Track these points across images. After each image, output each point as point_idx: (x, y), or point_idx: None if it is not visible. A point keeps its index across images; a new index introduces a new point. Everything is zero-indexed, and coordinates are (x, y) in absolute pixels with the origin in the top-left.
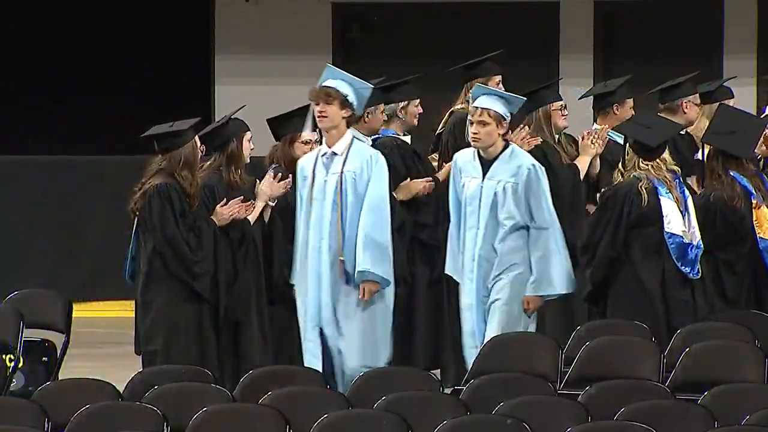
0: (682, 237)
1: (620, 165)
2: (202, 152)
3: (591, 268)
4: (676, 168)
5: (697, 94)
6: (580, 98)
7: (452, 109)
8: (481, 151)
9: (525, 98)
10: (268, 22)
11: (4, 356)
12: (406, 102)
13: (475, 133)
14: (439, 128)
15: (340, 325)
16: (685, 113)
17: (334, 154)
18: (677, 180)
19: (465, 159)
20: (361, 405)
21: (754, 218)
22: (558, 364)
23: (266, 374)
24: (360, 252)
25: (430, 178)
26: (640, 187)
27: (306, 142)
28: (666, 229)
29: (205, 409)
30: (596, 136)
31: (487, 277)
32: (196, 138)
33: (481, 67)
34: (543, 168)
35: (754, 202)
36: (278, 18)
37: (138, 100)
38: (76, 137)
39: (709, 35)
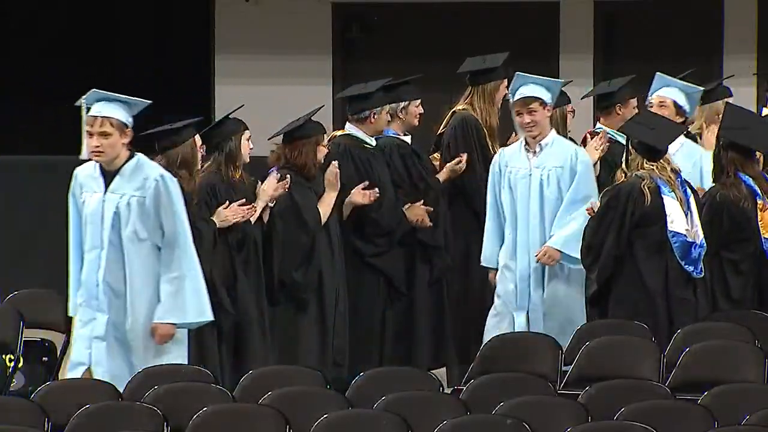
0: (685, 236)
1: (623, 165)
2: (202, 152)
3: (595, 268)
4: (677, 167)
5: None
6: (583, 98)
7: (454, 108)
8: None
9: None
10: (268, 22)
11: (4, 356)
12: (406, 102)
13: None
14: (441, 128)
15: None
16: None
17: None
18: (679, 179)
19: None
20: (361, 405)
21: (759, 219)
22: (558, 364)
23: (266, 374)
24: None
25: (376, 189)
26: (643, 186)
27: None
28: (669, 228)
29: (205, 409)
30: (601, 139)
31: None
32: (197, 137)
33: (496, 72)
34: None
35: (760, 203)
36: (278, 18)
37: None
38: (76, 137)
39: (709, 35)
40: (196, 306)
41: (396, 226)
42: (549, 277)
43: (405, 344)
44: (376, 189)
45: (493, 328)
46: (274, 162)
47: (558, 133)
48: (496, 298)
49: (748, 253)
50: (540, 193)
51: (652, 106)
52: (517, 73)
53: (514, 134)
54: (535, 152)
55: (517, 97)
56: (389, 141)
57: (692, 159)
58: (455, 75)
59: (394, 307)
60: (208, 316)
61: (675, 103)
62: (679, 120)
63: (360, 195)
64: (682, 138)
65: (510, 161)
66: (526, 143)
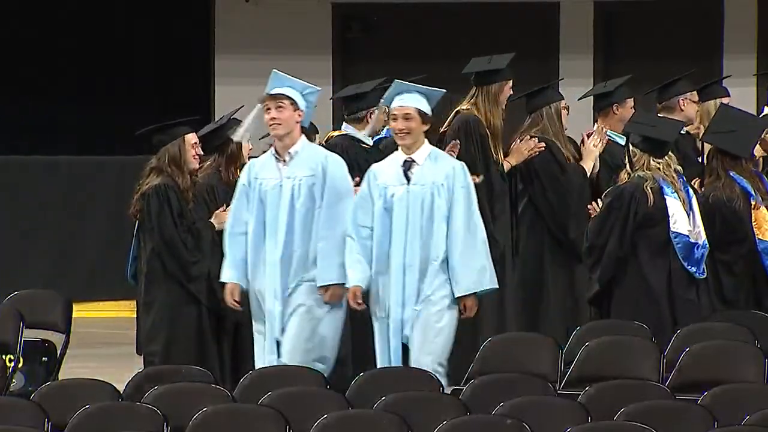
0: (688, 236)
1: (627, 166)
2: (198, 151)
3: (598, 269)
4: (679, 167)
5: (695, 91)
6: (581, 98)
7: (457, 108)
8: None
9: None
10: (268, 22)
11: (4, 356)
12: None
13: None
14: (443, 127)
15: None
16: (682, 110)
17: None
18: (681, 180)
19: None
20: (361, 405)
21: (753, 219)
22: (558, 364)
23: (266, 374)
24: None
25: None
26: (646, 186)
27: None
28: (672, 229)
29: (205, 409)
30: (598, 137)
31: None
32: (192, 136)
33: (501, 73)
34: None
35: (753, 202)
36: (278, 18)
37: (138, 100)
38: (76, 137)
39: (709, 35)
40: None
41: None
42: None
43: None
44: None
45: None
46: None
47: (554, 129)
48: None
49: (741, 254)
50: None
51: (396, 118)
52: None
53: (518, 139)
54: (285, 161)
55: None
56: (392, 141)
57: None
58: (455, 75)
59: None
60: None
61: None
62: (425, 128)
63: None
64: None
65: (260, 172)
66: (276, 152)
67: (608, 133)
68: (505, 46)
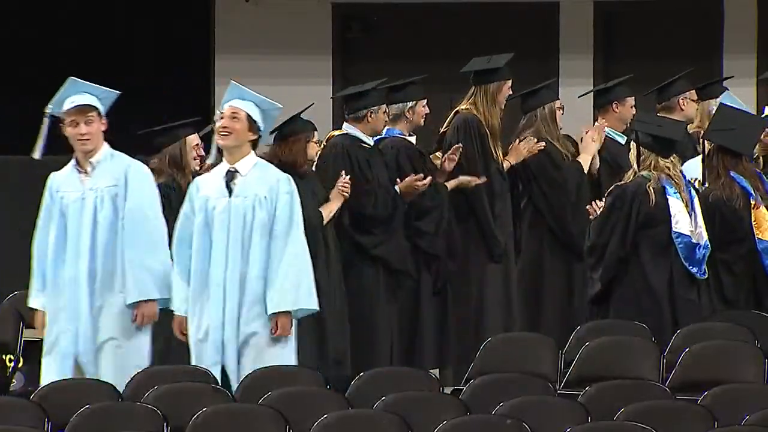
0: (690, 237)
1: (635, 165)
2: (199, 152)
3: (599, 269)
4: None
5: (694, 91)
6: (580, 96)
7: (457, 108)
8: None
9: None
10: (268, 22)
11: (4, 356)
12: (413, 102)
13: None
14: (443, 127)
15: None
16: (683, 110)
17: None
18: (685, 180)
19: None
20: (361, 405)
21: (753, 219)
22: (558, 364)
23: (266, 374)
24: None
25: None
26: (648, 187)
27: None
28: (674, 229)
29: (205, 409)
30: (596, 131)
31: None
32: (194, 137)
33: (499, 73)
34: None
35: (752, 202)
36: (278, 18)
37: (138, 100)
38: None
39: (709, 35)
40: None
41: (391, 211)
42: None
43: (408, 343)
44: (348, 177)
45: None
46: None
47: (547, 129)
48: None
49: (741, 253)
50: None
51: (223, 117)
52: (70, 78)
53: (516, 141)
54: (87, 172)
55: (68, 105)
56: (396, 141)
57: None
58: (455, 75)
59: (397, 304)
60: None
61: (248, 117)
62: (252, 136)
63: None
64: None
65: (61, 185)
66: (78, 163)
67: (608, 132)
68: (505, 46)
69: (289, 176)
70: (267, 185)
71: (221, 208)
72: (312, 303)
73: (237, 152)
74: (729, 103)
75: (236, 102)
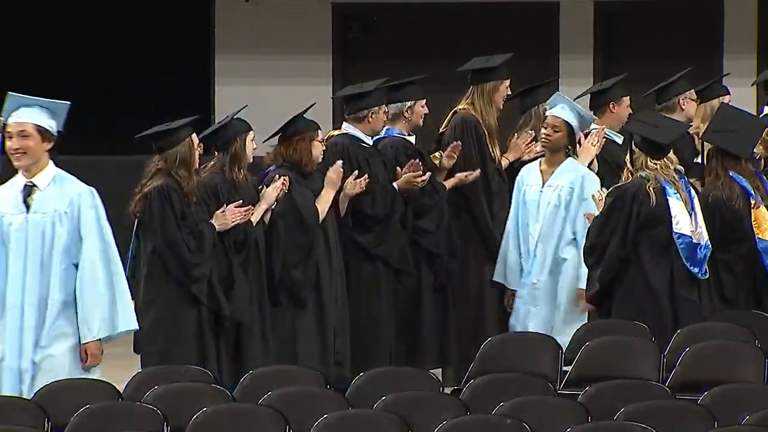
0: (690, 237)
1: (628, 164)
2: (200, 152)
3: (599, 269)
4: (680, 167)
5: (693, 90)
6: (578, 97)
7: (455, 108)
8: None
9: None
10: (268, 22)
11: None
12: (412, 102)
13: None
14: (442, 127)
15: None
16: (683, 110)
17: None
18: (683, 180)
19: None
20: (361, 405)
21: (753, 219)
22: (558, 364)
23: (266, 374)
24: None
25: (366, 177)
26: (648, 187)
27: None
28: (675, 230)
29: (205, 409)
30: (596, 137)
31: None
32: (193, 136)
33: (496, 72)
34: None
35: (752, 202)
36: (278, 18)
37: (138, 100)
38: (76, 137)
39: (709, 35)
40: None
41: (390, 209)
42: None
43: (410, 343)
44: (366, 176)
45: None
46: (270, 163)
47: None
48: None
49: (741, 253)
50: None
51: (11, 136)
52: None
53: (515, 136)
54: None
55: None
56: (395, 141)
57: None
58: (455, 75)
59: (398, 305)
60: None
61: (37, 128)
62: (48, 146)
63: (351, 185)
64: None
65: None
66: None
67: (606, 132)
68: (505, 46)
69: (93, 189)
70: (67, 199)
71: (18, 225)
72: (129, 323)
73: (34, 167)
74: (564, 104)
75: (22, 114)
